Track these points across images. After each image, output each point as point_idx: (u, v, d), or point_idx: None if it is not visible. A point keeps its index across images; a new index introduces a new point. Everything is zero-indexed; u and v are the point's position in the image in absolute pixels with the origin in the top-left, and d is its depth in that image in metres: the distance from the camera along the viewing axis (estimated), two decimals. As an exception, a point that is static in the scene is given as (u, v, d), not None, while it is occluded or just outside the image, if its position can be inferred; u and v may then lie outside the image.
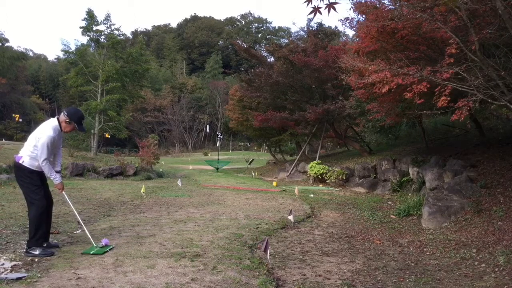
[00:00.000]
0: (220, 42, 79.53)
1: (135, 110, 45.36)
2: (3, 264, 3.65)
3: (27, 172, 4.10)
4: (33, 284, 3.17)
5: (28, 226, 4.16)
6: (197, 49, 76.74)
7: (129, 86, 20.15)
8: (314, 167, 13.78)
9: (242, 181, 14.56)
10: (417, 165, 10.01)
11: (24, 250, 4.05)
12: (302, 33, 28.91)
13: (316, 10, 2.74)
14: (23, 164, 4.08)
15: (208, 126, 41.32)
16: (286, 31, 76.76)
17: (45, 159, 4.01)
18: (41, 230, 4.06)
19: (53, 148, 4.16)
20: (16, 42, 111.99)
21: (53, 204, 4.44)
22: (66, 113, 4.21)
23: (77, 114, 4.29)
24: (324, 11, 2.71)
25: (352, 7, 7.12)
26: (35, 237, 4.01)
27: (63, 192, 4.34)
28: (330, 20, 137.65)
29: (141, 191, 9.09)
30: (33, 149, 4.07)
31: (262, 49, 55.02)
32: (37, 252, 3.94)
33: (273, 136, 21.88)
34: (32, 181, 4.11)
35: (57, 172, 4.27)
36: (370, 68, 6.39)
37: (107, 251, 4.21)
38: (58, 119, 4.22)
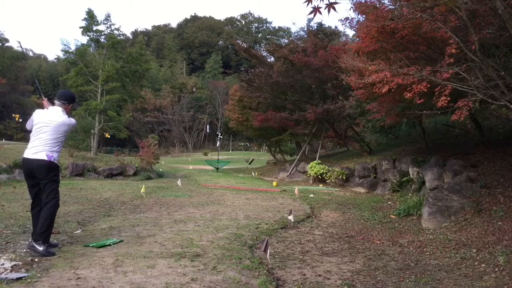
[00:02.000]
0: (220, 42, 79.48)
1: (135, 110, 45.30)
2: (3, 264, 3.64)
3: (59, 169, 4.32)
4: (33, 284, 3.17)
5: (28, 225, 4.18)
6: (197, 49, 76.70)
7: (129, 86, 20.11)
8: (314, 167, 13.78)
9: (242, 181, 14.55)
10: (417, 165, 10.01)
11: (27, 244, 4.07)
12: (302, 33, 28.99)
13: (316, 10, 2.75)
14: (55, 161, 4.19)
15: (208, 126, 41.28)
16: (286, 31, 76.79)
17: None
18: (52, 226, 4.16)
19: None
20: (16, 42, 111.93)
21: None
22: (63, 101, 4.32)
23: (72, 97, 4.47)
24: (324, 11, 2.72)
25: (352, 7, 7.11)
26: (47, 232, 4.04)
27: None
28: (330, 20, 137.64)
29: (141, 191, 9.10)
30: (57, 143, 4.20)
31: (262, 49, 54.79)
32: (41, 248, 3.91)
33: (273, 136, 21.85)
34: (59, 178, 4.31)
35: None
36: (370, 68, 6.40)
37: (110, 244, 4.29)
38: (60, 106, 4.32)
